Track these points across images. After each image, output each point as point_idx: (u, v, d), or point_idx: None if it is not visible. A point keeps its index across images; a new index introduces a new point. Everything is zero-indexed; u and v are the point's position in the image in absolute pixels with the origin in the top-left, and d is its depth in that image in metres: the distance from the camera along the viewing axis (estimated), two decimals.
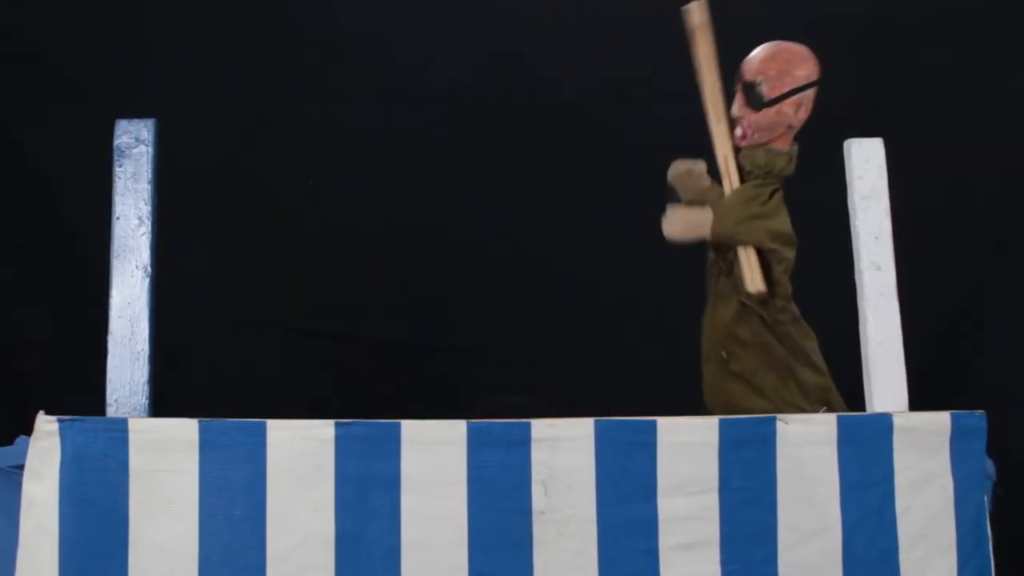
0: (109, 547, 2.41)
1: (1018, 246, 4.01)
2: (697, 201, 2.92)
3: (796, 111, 2.97)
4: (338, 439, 2.47)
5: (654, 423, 2.52)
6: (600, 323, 4.14)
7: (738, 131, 2.99)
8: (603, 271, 4.05)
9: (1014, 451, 2.79)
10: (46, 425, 2.43)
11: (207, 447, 2.45)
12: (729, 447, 2.52)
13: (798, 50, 3.01)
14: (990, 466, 2.62)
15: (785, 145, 3.00)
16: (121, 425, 2.45)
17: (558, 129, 4.09)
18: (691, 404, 2.91)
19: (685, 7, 2.96)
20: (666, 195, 2.94)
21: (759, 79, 2.96)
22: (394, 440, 2.48)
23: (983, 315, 4.01)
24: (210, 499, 2.44)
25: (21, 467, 2.45)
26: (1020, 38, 4.10)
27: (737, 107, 2.98)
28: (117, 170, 2.63)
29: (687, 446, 2.52)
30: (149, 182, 2.63)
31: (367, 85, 4.03)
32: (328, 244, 3.91)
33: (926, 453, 2.57)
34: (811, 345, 2.97)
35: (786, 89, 2.97)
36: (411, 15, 4.14)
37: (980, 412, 2.60)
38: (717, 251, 2.96)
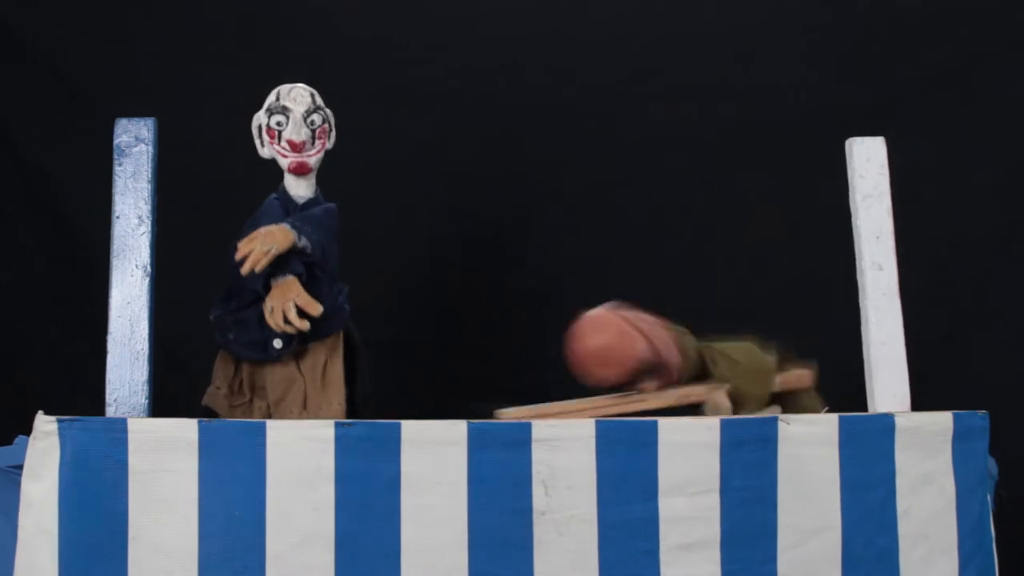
0: (108, 547, 2.41)
1: (1018, 246, 4.01)
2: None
3: (651, 343, 2.91)
4: (338, 439, 2.47)
5: (655, 423, 2.52)
6: None
7: (652, 387, 2.89)
8: (604, 271, 4.04)
9: (1016, 451, 2.79)
10: (45, 425, 2.43)
11: (207, 447, 2.45)
12: (730, 447, 2.52)
13: (614, 329, 2.91)
14: (992, 466, 2.62)
15: None
16: (120, 425, 2.44)
17: (559, 129, 4.09)
18: (691, 404, 2.90)
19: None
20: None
21: (642, 361, 2.86)
22: (394, 440, 2.48)
23: (985, 314, 4.01)
24: (210, 499, 2.44)
25: (20, 467, 2.45)
26: (1020, 38, 4.09)
27: (648, 385, 2.89)
28: (117, 169, 2.63)
29: (688, 446, 2.52)
30: (149, 181, 2.63)
31: (367, 85, 4.02)
32: None
33: (928, 453, 2.57)
34: None
35: (650, 345, 2.89)
36: (411, 15, 4.14)
37: (983, 412, 2.60)
38: None
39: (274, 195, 2.97)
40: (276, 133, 2.92)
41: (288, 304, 2.71)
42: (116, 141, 2.64)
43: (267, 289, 2.76)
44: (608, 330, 2.89)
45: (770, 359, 2.95)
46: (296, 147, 2.91)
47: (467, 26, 4.13)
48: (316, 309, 2.73)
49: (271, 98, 2.97)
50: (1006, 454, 2.67)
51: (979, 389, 3.54)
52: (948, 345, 3.90)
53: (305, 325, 2.73)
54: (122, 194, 2.62)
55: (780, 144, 4.03)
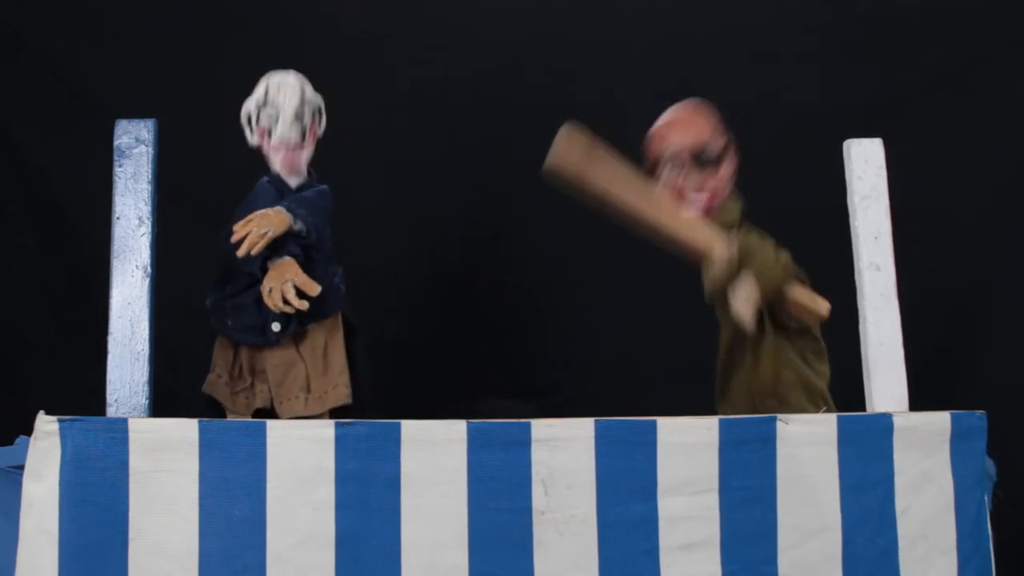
0: (109, 547, 2.41)
1: (1018, 246, 4.01)
2: (725, 283, 2.89)
3: (734, 151, 3.02)
4: (338, 439, 2.47)
5: (654, 423, 2.53)
6: (601, 323, 4.14)
7: (698, 201, 2.99)
8: (604, 271, 4.05)
9: (1014, 451, 2.79)
10: (46, 425, 2.43)
11: (207, 447, 2.45)
12: (729, 447, 2.52)
13: (698, 105, 3.08)
14: (990, 466, 2.63)
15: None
16: (121, 425, 2.44)
17: (559, 128, 4.09)
18: (691, 404, 2.90)
19: (549, 162, 2.91)
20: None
21: (704, 140, 3.00)
22: (394, 440, 2.48)
23: (983, 315, 4.01)
24: (210, 499, 2.44)
25: (21, 467, 2.45)
26: (1020, 38, 4.10)
27: (692, 179, 2.99)
28: (117, 170, 2.63)
29: (687, 446, 2.52)
30: (149, 182, 2.63)
31: (367, 85, 4.03)
32: None
33: (926, 453, 2.57)
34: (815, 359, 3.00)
35: (724, 139, 3.03)
36: (412, 15, 4.14)
37: (980, 412, 2.60)
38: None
39: (266, 178, 2.97)
40: (266, 131, 2.92)
41: (286, 285, 2.73)
42: (116, 142, 2.64)
43: (264, 271, 2.78)
44: (700, 108, 3.07)
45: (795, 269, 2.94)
46: (287, 146, 2.91)
47: (467, 26, 4.13)
48: (314, 289, 2.74)
49: (260, 91, 2.95)
50: (1004, 454, 2.67)
51: (977, 389, 3.56)
52: (946, 345, 3.90)
53: (304, 305, 2.74)
54: (122, 195, 2.63)
55: (779, 144, 4.03)
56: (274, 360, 2.88)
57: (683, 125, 3.04)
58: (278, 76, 2.98)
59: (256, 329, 2.85)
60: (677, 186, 3.01)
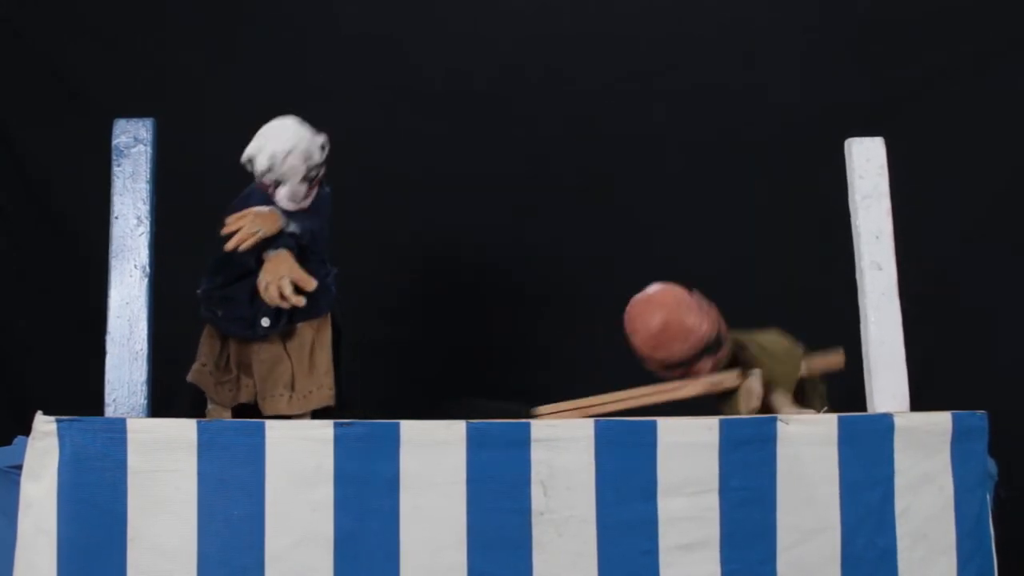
0: (107, 547, 2.41)
1: (1018, 246, 4.01)
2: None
3: (719, 318, 2.99)
4: (337, 439, 2.47)
5: (654, 423, 2.52)
6: (602, 324, 4.13)
7: (709, 366, 2.96)
8: (604, 271, 4.04)
9: (1015, 451, 2.78)
10: (44, 425, 2.42)
11: (206, 447, 2.45)
12: (729, 447, 2.52)
13: (686, 305, 2.96)
14: (992, 465, 2.62)
15: None
16: (119, 425, 2.44)
17: (559, 129, 4.09)
18: (691, 405, 2.90)
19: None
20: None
21: (709, 338, 2.93)
22: (393, 440, 2.48)
23: (983, 315, 4.00)
24: (209, 499, 2.43)
25: (19, 467, 2.45)
26: (1020, 38, 4.09)
27: (705, 365, 2.95)
28: (116, 170, 2.63)
29: (687, 446, 2.52)
30: (148, 182, 2.63)
31: (367, 84, 4.02)
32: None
33: (927, 453, 2.56)
34: None
35: (713, 317, 2.96)
36: (412, 15, 4.14)
37: (981, 412, 2.60)
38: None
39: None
40: (272, 185, 2.87)
41: (284, 280, 2.72)
42: (115, 142, 2.63)
43: (259, 264, 2.77)
44: (683, 305, 2.94)
45: (796, 344, 2.98)
46: (295, 201, 2.89)
47: (468, 26, 4.13)
48: (310, 284, 2.73)
49: (263, 159, 2.82)
50: (1005, 454, 2.67)
51: (978, 389, 3.54)
52: (947, 345, 3.89)
53: (301, 301, 2.73)
54: (121, 194, 2.62)
55: (780, 144, 4.03)
56: (261, 355, 2.88)
57: (677, 334, 2.92)
58: (282, 151, 2.83)
59: (245, 322, 2.85)
60: (689, 373, 2.95)
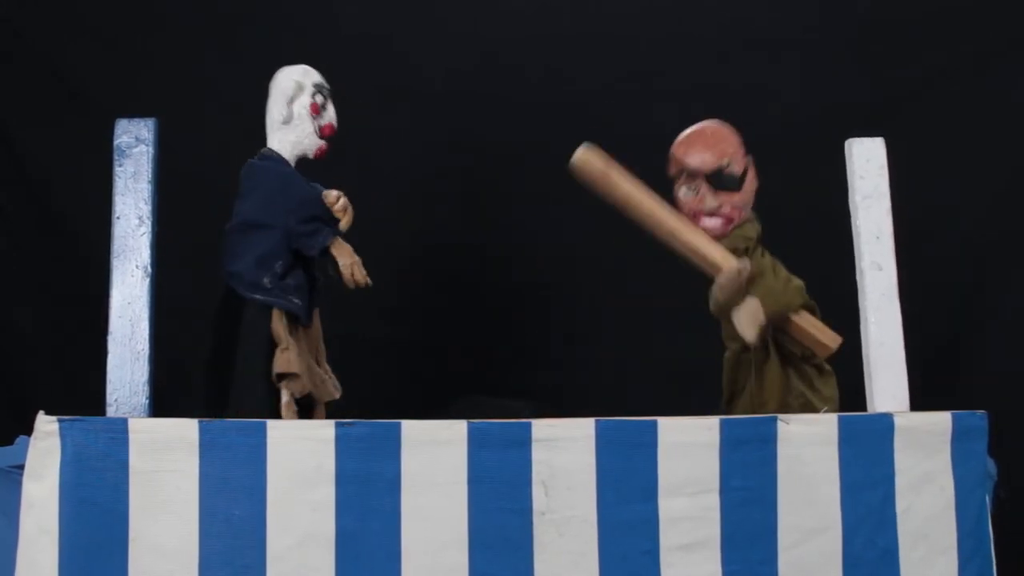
0: (109, 547, 2.41)
1: (1018, 246, 4.01)
2: (733, 301, 2.88)
3: (755, 173, 2.99)
4: (338, 439, 2.47)
5: (655, 423, 2.53)
6: (603, 324, 4.14)
7: (716, 222, 2.96)
8: (604, 271, 4.04)
9: (1015, 451, 2.79)
10: (46, 425, 2.43)
11: (207, 447, 2.45)
12: (730, 447, 2.52)
13: (722, 126, 3.04)
14: (991, 466, 2.62)
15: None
16: (121, 425, 2.45)
17: (559, 129, 4.09)
18: (692, 405, 2.90)
19: (577, 157, 2.97)
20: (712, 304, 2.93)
21: (724, 161, 2.96)
22: (394, 440, 2.48)
23: (984, 315, 4.01)
24: (210, 499, 2.44)
25: (21, 467, 2.45)
26: (1020, 38, 4.09)
27: (709, 198, 2.95)
28: (117, 170, 2.64)
29: (688, 446, 2.52)
30: (149, 182, 2.63)
31: (367, 85, 4.03)
32: None
33: (927, 453, 2.57)
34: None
35: (745, 160, 2.99)
36: (412, 15, 4.14)
37: (981, 412, 2.60)
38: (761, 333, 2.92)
39: (281, 163, 2.94)
40: (318, 108, 2.92)
41: (357, 262, 2.82)
42: (116, 142, 2.64)
43: (323, 252, 2.84)
44: (725, 128, 3.03)
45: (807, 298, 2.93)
46: (332, 133, 2.92)
47: (468, 26, 4.13)
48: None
49: (316, 75, 2.95)
50: (1005, 454, 2.67)
51: (978, 389, 3.56)
52: (947, 345, 3.90)
53: (370, 281, 2.84)
54: (122, 194, 2.63)
55: (780, 144, 4.03)
56: (301, 345, 2.89)
57: (704, 144, 2.99)
58: (297, 66, 2.99)
59: (306, 311, 2.86)
60: (691, 207, 2.97)
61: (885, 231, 2.70)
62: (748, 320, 2.83)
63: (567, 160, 4.10)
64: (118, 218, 2.62)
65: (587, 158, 2.97)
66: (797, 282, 2.93)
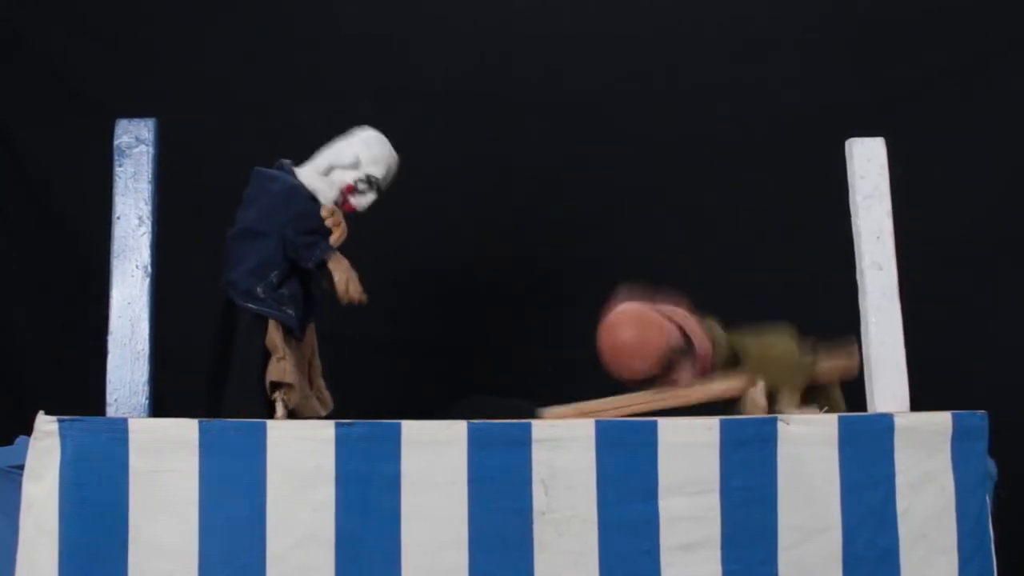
0: (109, 547, 2.41)
1: (1018, 245, 4.01)
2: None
3: (689, 318, 2.95)
4: (338, 439, 2.47)
5: (655, 423, 2.53)
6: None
7: (692, 375, 2.91)
8: (603, 271, 4.04)
9: (1015, 451, 2.79)
10: (46, 425, 2.43)
11: (207, 447, 2.45)
12: (730, 447, 2.52)
13: (638, 319, 2.92)
14: (992, 465, 2.62)
15: None
16: (121, 425, 2.45)
17: (559, 129, 4.09)
18: (691, 404, 2.90)
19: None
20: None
21: (671, 348, 2.88)
22: (394, 440, 2.48)
23: (984, 315, 4.00)
24: (210, 499, 2.44)
25: (21, 467, 2.45)
26: (1020, 38, 4.09)
27: (679, 373, 2.89)
28: (117, 170, 2.63)
29: (688, 446, 2.52)
30: (149, 182, 2.63)
31: (367, 84, 4.03)
32: None
33: (927, 453, 2.57)
34: None
35: (674, 327, 2.91)
36: (412, 15, 4.14)
37: (981, 412, 2.60)
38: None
39: (291, 176, 2.94)
40: (353, 190, 2.93)
41: (353, 278, 2.81)
42: (116, 142, 2.64)
43: (319, 266, 2.83)
44: (639, 322, 2.89)
45: (805, 351, 2.93)
46: (350, 212, 2.94)
47: (468, 26, 4.13)
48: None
49: (380, 170, 2.97)
50: (1005, 454, 2.67)
51: (979, 389, 3.55)
52: (948, 345, 3.90)
53: (365, 298, 2.82)
54: (122, 195, 2.63)
55: (780, 144, 4.03)
56: (293, 359, 2.88)
57: (635, 351, 2.87)
58: (390, 152, 3.02)
59: (299, 323, 2.86)
60: (670, 384, 2.90)
61: (885, 231, 2.70)
62: (798, 412, 2.83)
63: (567, 160, 4.12)
64: (118, 218, 2.62)
65: (555, 413, 2.85)
66: (790, 347, 2.91)
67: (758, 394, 2.83)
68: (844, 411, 2.95)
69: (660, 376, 2.87)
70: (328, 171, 2.94)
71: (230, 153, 3.28)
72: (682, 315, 2.92)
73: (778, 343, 2.94)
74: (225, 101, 3.99)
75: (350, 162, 2.94)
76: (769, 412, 2.83)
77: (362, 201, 2.95)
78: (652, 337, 2.87)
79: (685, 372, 2.88)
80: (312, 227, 2.84)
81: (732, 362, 2.95)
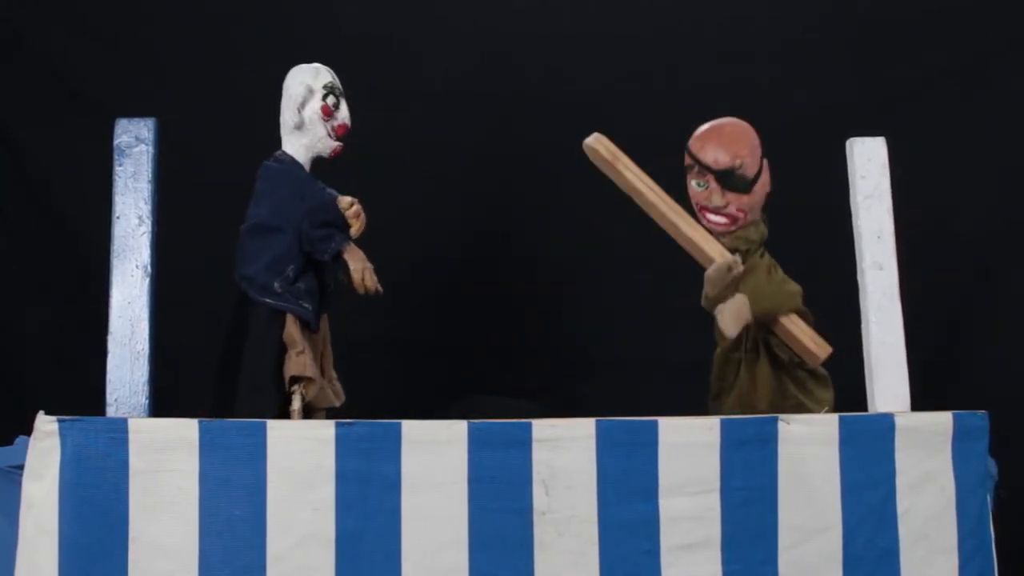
0: (109, 547, 2.41)
1: (1019, 245, 4.01)
2: (721, 296, 2.88)
3: (769, 178, 2.97)
4: (338, 439, 2.47)
5: (655, 423, 2.52)
6: (604, 323, 4.14)
7: (720, 219, 2.95)
8: (603, 271, 4.04)
9: (1016, 451, 2.79)
10: (46, 425, 2.42)
11: (207, 447, 2.45)
12: (730, 447, 2.52)
13: (742, 124, 3.03)
14: (992, 465, 2.62)
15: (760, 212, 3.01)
16: (121, 425, 2.44)
17: (558, 129, 4.09)
18: (692, 405, 2.90)
19: (587, 143, 2.98)
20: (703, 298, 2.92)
21: (737, 162, 2.94)
22: (395, 440, 2.48)
23: (984, 315, 4.01)
24: (210, 499, 2.43)
25: (21, 467, 2.45)
26: (1020, 38, 4.10)
27: (716, 195, 2.94)
28: (117, 169, 2.63)
29: (688, 446, 2.52)
30: (149, 181, 2.63)
31: (368, 83, 4.02)
32: None
33: (928, 453, 2.57)
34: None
35: (760, 163, 2.97)
36: (412, 15, 4.14)
37: (982, 412, 2.60)
38: (751, 333, 2.91)
39: (296, 167, 2.94)
40: (330, 111, 2.92)
41: (369, 268, 2.80)
42: (116, 141, 2.64)
43: (334, 257, 2.82)
44: (748, 131, 3.02)
45: (801, 304, 2.92)
46: (346, 133, 2.93)
47: (468, 26, 4.13)
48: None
49: (327, 75, 2.94)
50: (1006, 454, 2.67)
51: (979, 389, 3.55)
52: (948, 345, 3.90)
53: (381, 289, 2.82)
54: (122, 194, 2.62)
55: (780, 144, 4.02)
56: (316, 349, 2.89)
57: (719, 142, 2.98)
58: (320, 65, 2.98)
59: (315, 316, 2.86)
60: (699, 200, 2.96)
61: (886, 231, 2.70)
62: (731, 316, 2.82)
63: (568, 161, 4.12)
64: (118, 218, 2.62)
65: (594, 147, 2.99)
66: (793, 287, 2.92)
67: (728, 264, 2.83)
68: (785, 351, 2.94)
69: (721, 178, 2.93)
70: (299, 121, 2.93)
71: (230, 153, 3.28)
72: (767, 178, 2.97)
73: (790, 280, 2.94)
74: (225, 101, 3.99)
75: (304, 93, 2.94)
76: (720, 297, 2.84)
77: (342, 113, 2.94)
78: (745, 141, 2.98)
79: (736, 202, 2.93)
80: (326, 219, 2.84)
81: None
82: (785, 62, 4.09)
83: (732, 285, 2.84)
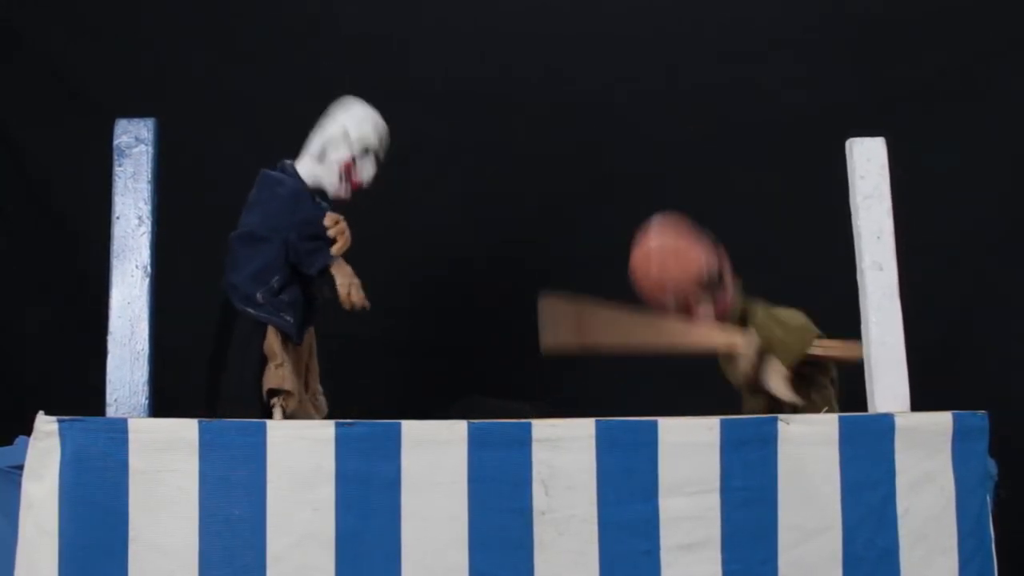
0: (109, 547, 2.41)
1: (1018, 245, 4.01)
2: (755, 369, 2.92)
3: (724, 255, 3.01)
4: (338, 439, 2.47)
5: (655, 423, 2.52)
6: None
7: (710, 314, 2.99)
8: (603, 271, 4.03)
9: (1015, 451, 2.79)
10: (46, 425, 2.42)
11: (207, 447, 2.45)
12: (730, 447, 2.52)
13: (677, 228, 3.03)
14: (992, 465, 2.62)
15: None
16: (121, 425, 2.44)
17: (558, 129, 4.09)
18: (692, 405, 2.90)
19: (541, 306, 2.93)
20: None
21: (709, 272, 2.98)
22: (394, 440, 2.48)
23: (984, 315, 4.01)
24: (210, 499, 2.43)
25: (21, 467, 2.45)
26: (1020, 38, 4.10)
27: (702, 302, 2.98)
28: (117, 170, 2.63)
29: (688, 446, 2.52)
30: (149, 182, 2.63)
31: (367, 85, 4.02)
32: None
33: (927, 453, 2.57)
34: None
35: (716, 252, 2.99)
36: (412, 15, 4.14)
37: (982, 412, 2.60)
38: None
39: (296, 179, 2.94)
40: (351, 168, 2.94)
41: (356, 284, 2.83)
42: (116, 141, 2.63)
43: (321, 273, 2.85)
44: (686, 234, 2.97)
45: (812, 326, 2.95)
46: (358, 189, 2.94)
47: (468, 26, 4.13)
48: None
49: (370, 134, 2.97)
50: (1006, 454, 2.67)
51: (979, 389, 3.55)
52: (948, 345, 3.90)
53: (368, 304, 2.84)
54: (122, 194, 2.62)
55: (780, 144, 4.03)
56: (291, 364, 2.88)
57: (677, 259, 2.98)
58: (383, 123, 3.01)
59: (298, 328, 2.86)
60: (688, 310, 2.98)
61: (886, 231, 2.70)
62: (778, 381, 2.85)
63: (567, 161, 4.12)
64: (118, 218, 2.61)
65: (554, 338, 2.98)
66: (798, 320, 2.94)
67: (748, 346, 2.84)
68: (832, 400, 2.97)
69: (682, 306, 2.92)
70: (322, 154, 2.93)
71: (230, 153, 3.28)
72: (721, 252, 2.96)
73: (790, 313, 2.98)
74: (225, 101, 3.99)
75: (340, 137, 2.94)
76: (756, 371, 2.86)
77: (364, 173, 2.96)
78: (694, 251, 2.96)
79: (707, 308, 2.91)
80: (316, 233, 2.84)
81: (740, 323, 2.99)
82: (785, 62, 4.09)
83: (758, 362, 2.86)
